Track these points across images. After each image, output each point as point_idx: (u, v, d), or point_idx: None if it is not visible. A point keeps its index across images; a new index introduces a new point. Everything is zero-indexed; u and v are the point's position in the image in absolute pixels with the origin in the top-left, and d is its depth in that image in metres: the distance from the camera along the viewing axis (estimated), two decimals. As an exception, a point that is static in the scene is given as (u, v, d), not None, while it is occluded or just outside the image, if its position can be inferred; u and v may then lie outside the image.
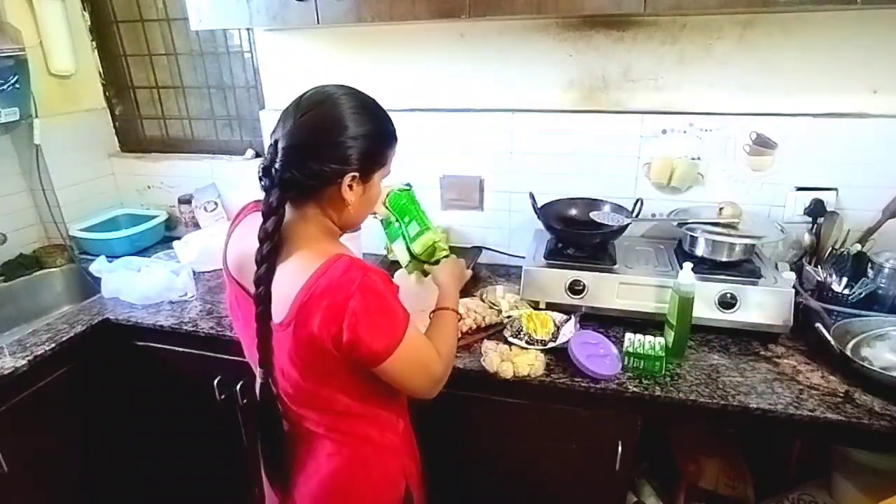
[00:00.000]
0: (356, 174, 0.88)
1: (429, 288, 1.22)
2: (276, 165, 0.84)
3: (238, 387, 1.48)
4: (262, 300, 0.86)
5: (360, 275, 0.84)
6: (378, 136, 0.90)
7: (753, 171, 1.55)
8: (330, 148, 0.85)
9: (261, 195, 0.88)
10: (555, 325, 1.35)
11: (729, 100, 1.52)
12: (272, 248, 0.85)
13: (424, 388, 0.97)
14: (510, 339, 1.33)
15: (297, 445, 1.00)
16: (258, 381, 0.93)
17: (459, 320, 1.27)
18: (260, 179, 0.86)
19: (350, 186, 0.88)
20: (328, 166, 0.85)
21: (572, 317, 1.35)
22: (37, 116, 1.85)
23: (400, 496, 1.06)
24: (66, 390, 1.50)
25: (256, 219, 0.89)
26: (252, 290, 0.87)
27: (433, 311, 1.10)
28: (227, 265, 0.99)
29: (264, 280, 0.85)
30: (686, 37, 1.50)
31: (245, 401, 1.50)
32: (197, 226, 2.03)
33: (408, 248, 1.29)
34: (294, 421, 0.98)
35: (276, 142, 0.85)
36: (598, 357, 1.23)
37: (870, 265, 1.40)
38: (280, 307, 0.86)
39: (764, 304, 1.31)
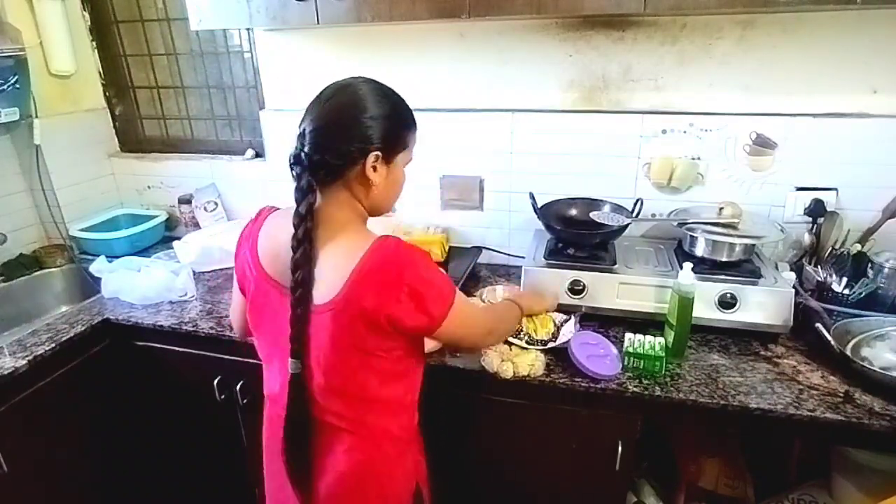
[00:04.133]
0: (379, 153, 0.91)
1: None
2: (305, 150, 0.89)
3: (238, 387, 1.48)
4: (302, 283, 0.89)
5: (410, 251, 0.91)
6: (397, 117, 0.95)
7: (753, 171, 1.55)
8: (353, 128, 0.89)
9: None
10: (555, 325, 1.35)
11: (729, 100, 1.52)
12: (307, 231, 0.88)
13: (478, 340, 1.11)
14: (510, 339, 1.33)
15: (317, 441, 1.00)
16: (290, 371, 0.93)
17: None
18: (291, 168, 0.91)
19: (374, 167, 0.92)
20: (353, 145, 0.89)
21: (572, 317, 1.35)
22: (37, 116, 1.85)
23: (411, 491, 1.07)
24: (66, 390, 1.50)
25: (279, 217, 0.97)
26: (286, 281, 0.90)
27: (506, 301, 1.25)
28: (258, 264, 0.98)
29: (302, 262, 0.88)
30: (686, 37, 1.50)
31: (245, 400, 1.49)
32: (197, 226, 2.03)
33: None
34: (316, 415, 0.98)
35: (303, 130, 0.90)
36: (598, 357, 1.23)
37: (870, 265, 1.40)
38: (326, 289, 0.89)
39: (764, 304, 1.31)
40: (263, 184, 1.99)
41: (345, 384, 0.95)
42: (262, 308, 1.00)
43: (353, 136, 0.90)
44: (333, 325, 0.89)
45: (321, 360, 0.93)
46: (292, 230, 0.89)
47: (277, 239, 0.94)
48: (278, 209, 1.03)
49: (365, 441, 0.99)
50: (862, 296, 1.37)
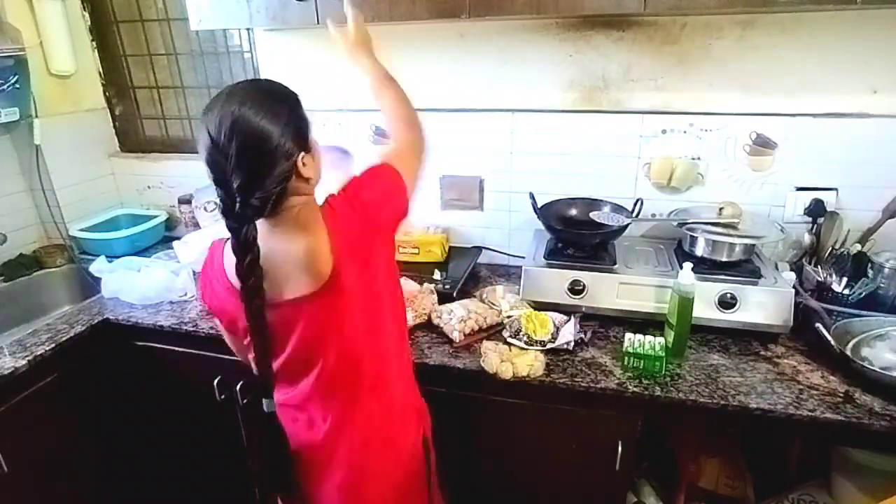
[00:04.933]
0: (302, 153, 0.91)
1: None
2: (238, 205, 0.85)
3: (238, 387, 1.48)
4: (255, 289, 0.90)
5: (344, 191, 0.99)
6: (294, 115, 0.91)
7: (753, 171, 1.55)
8: (272, 158, 0.87)
9: None
10: (554, 325, 1.35)
11: (729, 100, 1.52)
12: (257, 284, 0.88)
13: (423, 148, 1.15)
14: (509, 340, 1.33)
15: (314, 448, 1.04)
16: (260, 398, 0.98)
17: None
18: (230, 227, 0.87)
19: (304, 164, 0.91)
20: (281, 170, 0.87)
21: (572, 317, 1.36)
22: (37, 116, 1.85)
23: (420, 449, 1.12)
24: (66, 390, 1.50)
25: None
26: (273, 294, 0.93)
27: (370, 72, 1.23)
28: (217, 289, 0.99)
29: (259, 313, 0.90)
30: (686, 37, 1.50)
31: (245, 400, 1.49)
32: (197, 226, 2.03)
33: None
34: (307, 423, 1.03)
35: (227, 187, 0.85)
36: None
37: (870, 265, 1.40)
38: (318, 273, 0.91)
39: (764, 304, 1.31)
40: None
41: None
42: (236, 333, 1.03)
43: (277, 162, 0.87)
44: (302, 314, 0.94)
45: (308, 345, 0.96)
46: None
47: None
48: (224, 240, 0.99)
49: (356, 426, 1.03)
50: (862, 296, 1.37)
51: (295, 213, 0.93)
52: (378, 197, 0.99)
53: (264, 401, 0.98)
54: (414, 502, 1.14)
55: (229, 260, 0.93)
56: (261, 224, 0.89)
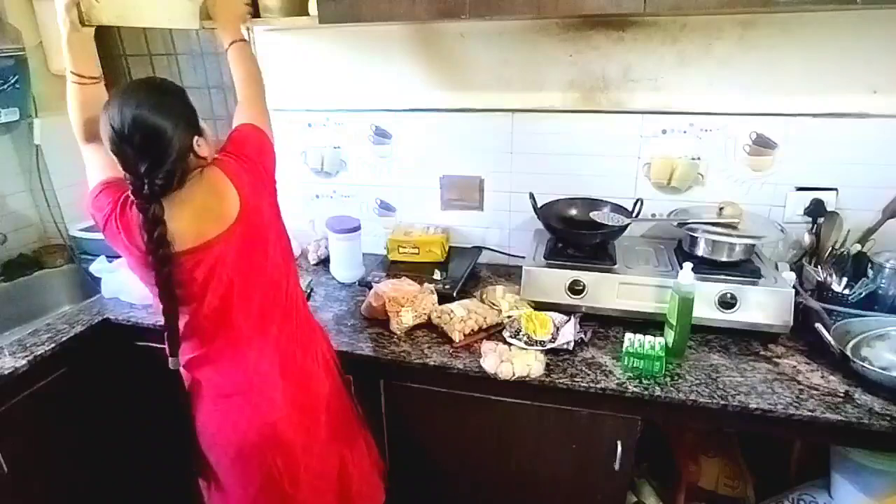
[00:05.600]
0: (196, 137, 1.05)
1: None
2: (146, 186, 0.98)
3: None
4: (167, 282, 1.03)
5: (227, 144, 1.14)
6: (184, 108, 1.06)
7: (753, 171, 1.55)
8: (169, 146, 0.99)
9: None
10: (554, 325, 1.35)
11: (729, 100, 1.52)
12: (167, 254, 1.01)
13: (262, 94, 1.32)
14: (509, 340, 1.33)
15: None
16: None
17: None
18: (140, 207, 0.99)
19: (199, 145, 1.05)
20: (179, 154, 1.01)
21: (572, 317, 1.36)
22: (37, 116, 1.85)
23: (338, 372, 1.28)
24: (66, 390, 1.50)
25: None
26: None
27: (229, 45, 1.32)
28: (131, 247, 1.07)
29: (168, 280, 1.02)
30: (686, 37, 1.50)
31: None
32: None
33: None
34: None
35: (135, 172, 0.98)
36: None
37: (870, 265, 1.40)
38: (228, 214, 1.04)
39: (764, 304, 1.31)
40: (263, 184, 1.98)
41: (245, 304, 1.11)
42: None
43: (174, 148, 1.00)
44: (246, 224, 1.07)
45: (225, 281, 1.09)
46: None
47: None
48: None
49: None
50: (862, 296, 1.37)
51: (198, 178, 1.05)
52: (255, 151, 1.14)
53: (170, 359, 1.11)
54: (342, 416, 1.26)
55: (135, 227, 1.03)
56: (169, 196, 1.01)
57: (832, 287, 1.40)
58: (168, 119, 0.99)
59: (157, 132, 0.98)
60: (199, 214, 1.04)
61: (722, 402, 1.14)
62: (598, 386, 1.21)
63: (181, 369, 1.15)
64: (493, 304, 1.48)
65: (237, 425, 1.12)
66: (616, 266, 1.45)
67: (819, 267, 1.44)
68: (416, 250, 1.73)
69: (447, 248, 1.77)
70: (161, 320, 1.08)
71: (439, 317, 1.41)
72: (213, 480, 1.21)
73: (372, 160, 1.86)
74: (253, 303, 1.11)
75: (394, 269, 1.69)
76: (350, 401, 1.31)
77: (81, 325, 1.53)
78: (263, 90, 1.32)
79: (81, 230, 1.99)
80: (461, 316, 1.39)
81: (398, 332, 1.42)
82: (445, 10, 1.30)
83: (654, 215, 1.64)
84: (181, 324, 1.09)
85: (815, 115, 1.47)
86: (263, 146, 1.18)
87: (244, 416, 1.12)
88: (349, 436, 1.27)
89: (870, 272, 1.39)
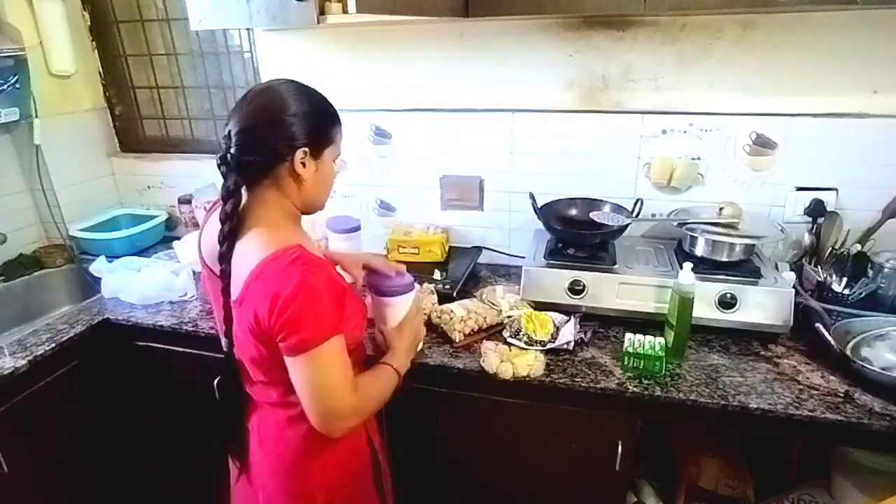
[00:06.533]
0: (306, 150, 0.94)
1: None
2: (232, 150, 0.92)
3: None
4: (225, 275, 0.94)
5: (303, 269, 0.88)
6: (320, 113, 0.98)
7: (753, 171, 1.55)
8: (278, 126, 0.92)
9: None
10: (554, 325, 1.35)
11: (729, 100, 1.52)
12: (232, 228, 0.93)
13: (318, 412, 0.92)
14: (509, 340, 1.33)
15: (257, 417, 1.07)
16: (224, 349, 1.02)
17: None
18: (219, 167, 0.94)
19: (303, 163, 0.94)
20: (279, 143, 0.92)
21: (572, 317, 1.36)
22: (37, 116, 1.85)
23: (366, 452, 1.11)
24: (66, 390, 1.50)
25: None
26: (217, 269, 0.96)
27: (378, 364, 1.08)
28: (201, 251, 1.06)
29: (226, 258, 0.93)
30: (686, 37, 1.50)
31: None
32: (197, 226, 2.03)
33: None
34: (256, 392, 1.05)
35: (228, 132, 0.93)
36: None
37: (870, 265, 1.40)
38: (236, 285, 0.93)
39: (764, 304, 1.31)
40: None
41: (271, 367, 0.96)
42: (208, 291, 1.10)
43: (279, 134, 0.92)
44: (244, 319, 0.92)
45: (245, 344, 0.96)
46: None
47: (215, 232, 0.97)
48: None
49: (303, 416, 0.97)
50: (862, 296, 1.37)
51: (262, 205, 0.96)
52: (289, 327, 0.87)
53: (223, 340, 1.01)
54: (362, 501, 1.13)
55: (211, 225, 0.98)
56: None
57: (832, 287, 1.40)
58: (297, 106, 0.93)
59: (278, 104, 0.92)
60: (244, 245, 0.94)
61: (722, 402, 1.14)
62: (598, 386, 1.21)
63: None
64: (493, 304, 1.48)
65: None
66: (616, 266, 1.45)
67: (819, 267, 1.44)
68: (416, 250, 1.73)
69: (447, 248, 1.77)
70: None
71: (439, 317, 1.41)
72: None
73: (372, 160, 1.86)
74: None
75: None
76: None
77: (81, 325, 1.53)
78: (359, 404, 0.98)
79: (81, 230, 2.00)
80: (461, 316, 1.39)
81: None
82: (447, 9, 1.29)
83: (654, 215, 1.64)
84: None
85: (815, 115, 1.47)
86: (298, 337, 0.88)
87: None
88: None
89: (870, 272, 1.39)
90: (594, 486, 1.34)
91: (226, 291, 0.95)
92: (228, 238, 0.93)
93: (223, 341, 1.02)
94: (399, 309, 1.19)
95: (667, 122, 1.57)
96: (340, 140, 1.02)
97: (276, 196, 0.97)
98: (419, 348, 1.27)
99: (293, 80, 0.98)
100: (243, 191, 0.94)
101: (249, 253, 0.92)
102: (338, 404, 0.93)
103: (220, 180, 0.95)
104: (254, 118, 0.92)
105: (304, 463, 1.03)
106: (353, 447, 1.08)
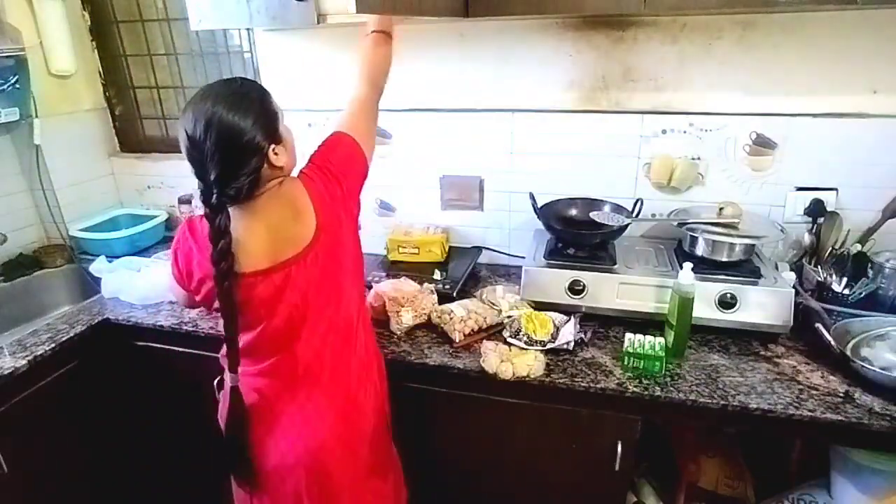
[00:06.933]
0: (273, 145, 0.99)
1: None
2: (215, 195, 0.95)
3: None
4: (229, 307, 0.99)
5: (316, 153, 1.09)
6: (263, 110, 0.99)
7: (753, 171, 1.55)
8: (244, 152, 0.95)
9: None
10: (554, 325, 1.35)
11: (729, 100, 1.52)
12: (227, 267, 0.96)
13: (374, 107, 1.20)
14: (509, 340, 1.33)
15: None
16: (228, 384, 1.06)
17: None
18: (205, 208, 0.96)
19: (276, 153, 1.00)
20: (253, 162, 0.96)
21: (572, 317, 1.36)
22: (37, 116, 1.85)
23: (385, 408, 1.22)
24: (66, 390, 1.50)
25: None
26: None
27: (372, 32, 1.23)
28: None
29: (229, 293, 0.98)
30: (686, 37, 1.50)
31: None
32: (197, 226, 2.03)
33: None
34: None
35: (205, 179, 0.95)
36: None
37: (870, 265, 1.40)
38: (304, 235, 1.00)
39: (764, 304, 1.31)
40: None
41: (320, 319, 1.07)
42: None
43: (250, 155, 0.96)
44: (319, 249, 1.02)
45: (299, 305, 1.03)
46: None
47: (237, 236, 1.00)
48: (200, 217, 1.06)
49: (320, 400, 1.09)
50: (862, 296, 1.37)
51: (276, 191, 1.01)
52: (343, 166, 1.07)
53: (229, 375, 1.05)
54: (380, 453, 1.21)
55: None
56: (243, 207, 0.99)
57: (832, 287, 1.40)
58: (245, 121, 0.95)
59: (233, 134, 0.94)
60: (274, 233, 0.99)
61: (722, 402, 1.14)
62: (598, 386, 1.21)
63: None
64: (493, 304, 1.48)
65: (278, 445, 1.08)
66: (616, 266, 1.45)
67: (819, 267, 1.44)
68: (416, 250, 1.73)
69: (447, 248, 1.77)
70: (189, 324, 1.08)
71: (439, 317, 1.41)
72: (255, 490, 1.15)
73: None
74: (318, 336, 1.06)
75: (394, 269, 1.69)
76: (389, 437, 1.26)
77: (81, 325, 1.53)
78: (381, 94, 1.22)
79: (81, 230, 2.00)
80: (461, 316, 1.39)
81: (398, 333, 1.42)
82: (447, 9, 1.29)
83: (654, 215, 1.64)
84: (241, 339, 1.04)
85: (815, 115, 1.47)
86: (354, 162, 1.09)
87: (287, 439, 1.08)
88: (383, 473, 1.22)
89: (870, 272, 1.39)
90: (594, 486, 1.34)
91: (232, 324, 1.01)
92: (227, 275, 0.96)
93: (229, 376, 1.05)
94: None
95: (667, 122, 1.57)
96: (278, 108, 1.04)
97: (274, 185, 1.02)
98: None
99: (218, 94, 0.96)
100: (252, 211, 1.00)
101: (296, 201, 1.01)
102: (375, 110, 1.21)
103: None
104: (222, 160, 0.94)
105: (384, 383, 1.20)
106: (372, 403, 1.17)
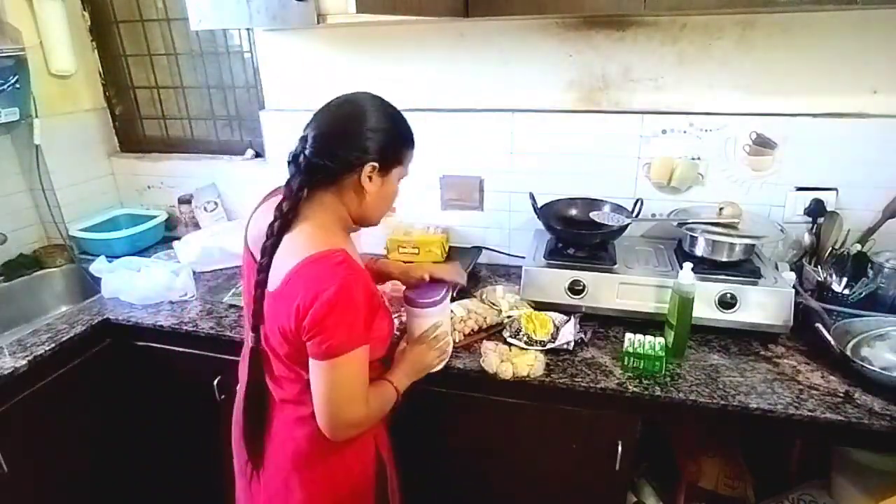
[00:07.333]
0: (376, 165, 0.96)
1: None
2: (305, 152, 0.94)
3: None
4: (263, 269, 0.95)
5: (346, 274, 0.90)
6: (396, 133, 1.00)
7: (753, 171, 1.55)
8: (353, 137, 0.95)
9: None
10: (554, 325, 1.35)
11: (729, 100, 1.52)
12: (282, 225, 0.94)
13: (328, 417, 0.94)
14: (509, 340, 1.33)
15: (273, 412, 1.05)
16: (248, 344, 1.02)
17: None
18: (288, 165, 0.97)
19: (370, 177, 0.97)
20: (351, 154, 0.95)
21: (572, 317, 1.36)
22: (37, 116, 1.85)
23: (372, 463, 1.09)
24: (66, 390, 1.50)
25: (279, 199, 0.98)
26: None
27: (380, 379, 1.07)
28: (246, 236, 1.06)
29: (269, 251, 0.94)
30: (686, 37, 1.50)
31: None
32: (197, 226, 2.03)
33: None
34: (273, 386, 1.04)
35: (306, 134, 0.96)
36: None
37: (870, 265, 1.40)
38: (276, 276, 0.94)
39: (764, 304, 1.31)
40: (263, 184, 1.98)
41: (298, 356, 0.96)
42: (244, 277, 1.08)
43: (353, 145, 0.95)
44: (277, 313, 0.93)
45: (273, 337, 0.97)
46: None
47: (265, 221, 0.97)
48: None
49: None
50: (862, 296, 1.37)
51: (319, 207, 0.97)
52: (321, 331, 0.89)
53: (251, 335, 1.00)
54: None
55: (263, 211, 1.02)
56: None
57: (832, 287, 1.40)
58: (375, 121, 0.96)
59: (358, 115, 0.95)
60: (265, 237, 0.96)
61: (722, 402, 1.14)
62: (598, 386, 1.21)
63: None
64: (493, 304, 1.48)
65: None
66: (616, 266, 1.45)
67: (819, 267, 1.44)
68: (416, 250, 1.73)
69: (447, 248, 1.77)
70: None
71: (439, 317, 1.41)
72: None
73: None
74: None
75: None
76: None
77: (81, 325, 1.53)
78: (367, 418, 1.00)
79: (81, 230, 2.00)
80: (461, 316, 1.39)
81: (398, 333, 1.42)
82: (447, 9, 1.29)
83: (654, 215, 1.64)
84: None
85: (815, 115, 1.47)
86: (326, 343, 0.90)
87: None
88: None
89: (870, 272, 1.39)
90: (594, 486, 1.34)
91: (261, 284, 0.95)
92: (278, 233, 0.94)
93: (250, 336, 1.00)
94: (421, 321, 1.18)
95: (667, 122, 1.57)
96: (410, 163, 1.05)
97: (334, 202, 0.99)
98: (436, 368, 1.22)
99: (378, 97, 1.00)
100: (304, 193, 0.96)
101: (296, 248, 0.93)
102: (349, 414, 0.95)
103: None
104: (332, 126, 0.96)
105: (308, 464, 1.03)
106: (359, 456, 1.07)
